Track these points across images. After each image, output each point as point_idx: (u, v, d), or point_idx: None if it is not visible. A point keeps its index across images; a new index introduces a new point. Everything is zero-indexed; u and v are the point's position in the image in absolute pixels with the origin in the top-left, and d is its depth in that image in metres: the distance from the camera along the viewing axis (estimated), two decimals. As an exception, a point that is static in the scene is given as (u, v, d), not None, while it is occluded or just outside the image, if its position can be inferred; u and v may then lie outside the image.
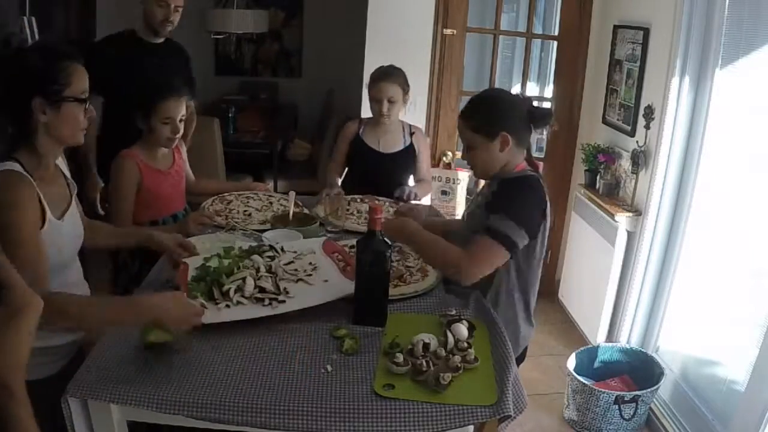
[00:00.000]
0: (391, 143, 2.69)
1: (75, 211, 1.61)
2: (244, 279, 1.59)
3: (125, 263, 2.20)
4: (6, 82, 1.41)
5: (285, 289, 1.60)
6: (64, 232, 1.50)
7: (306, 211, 2.31)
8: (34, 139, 1.43)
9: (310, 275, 1.67)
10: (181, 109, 2.15)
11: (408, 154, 2.71)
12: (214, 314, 1.48)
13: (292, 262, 1.73)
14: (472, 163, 1.82)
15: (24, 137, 1.42)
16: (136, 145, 2.18)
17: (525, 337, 1.89)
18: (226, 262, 1.66)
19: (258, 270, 1.65)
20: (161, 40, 2.75)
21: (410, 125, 2.76)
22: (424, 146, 2.78)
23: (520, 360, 1.88)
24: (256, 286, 1.58)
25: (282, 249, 1.80)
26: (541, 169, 3.64)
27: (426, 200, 3.49)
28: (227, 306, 1.52)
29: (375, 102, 2.59)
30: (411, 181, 2.77)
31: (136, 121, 2.14)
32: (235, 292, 1.55)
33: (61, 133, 1.46)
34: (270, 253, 1.77)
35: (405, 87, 2.60)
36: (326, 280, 1.65)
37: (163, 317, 1.33)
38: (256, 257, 1.71)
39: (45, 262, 1.39)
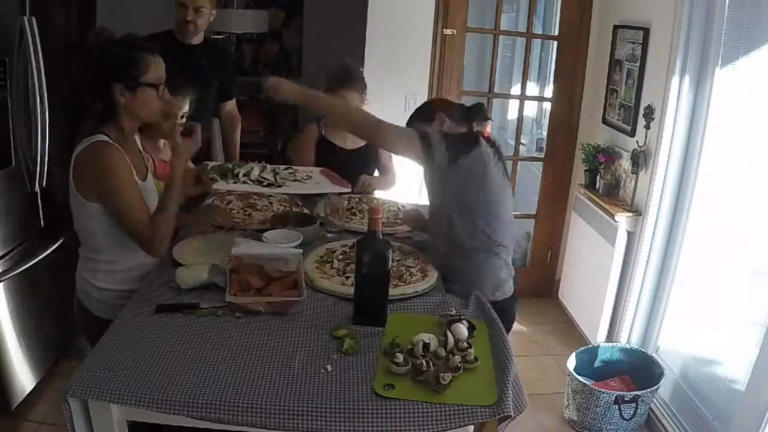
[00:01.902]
0: (355, 140, 2.68)
1: (151, 180, 1.90)
2: (251, 169, 2.08)
3: None
4: (94, 69, 1.70)
5: (282, 180, 2.07)
6: (147, 193, 1.81)
7: (306, 211, 2.32)
8: (117, 116, 1.73)
9: (306, 178, 2.16)
10: (185, 105, 2.22)
11: (371, 149, 2.72)
12: (222, 185, 2.02)
13: (293, 172, 2.19)
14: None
15: (109, 115, 1.73)
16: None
17: (505, 279, 1.98)
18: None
19: (264, 168, 2.12)
20: (198, 41, 2.81)
21: None
22: None
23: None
24: (260, 176, 2.05)
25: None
26: (540, 169, 3.68)
27: (426, 197, 3.49)
28: (234, 183, 2.00)
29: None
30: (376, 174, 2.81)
31: None
32: (244, 175, 2.04)
33: (137, 113, 1.75)
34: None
35: (364, 91, 2.59)
36: (318, 183, 2.12)
37: None
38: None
39: (146, 203, 1.75)
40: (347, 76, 2.56)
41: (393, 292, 1.70)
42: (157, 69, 1.74)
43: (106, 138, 1.70)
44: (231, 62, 2.97)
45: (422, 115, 2.03)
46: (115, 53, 1.68)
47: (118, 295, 1.77)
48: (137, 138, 1.91)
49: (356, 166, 2.67)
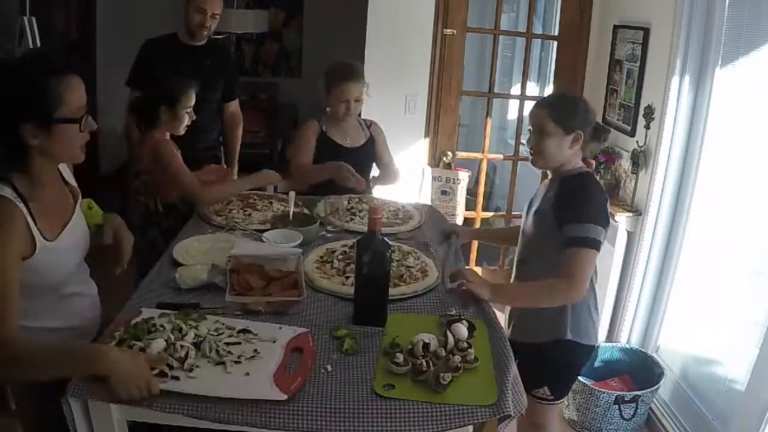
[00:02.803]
0: (355, 138, 2.71)
1: (78, 220, 1.54)
2: (154, 340, 1.36)
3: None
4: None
5: (192, 365, 1.33)
6: (59, 251, 1.43)
7: (306, 211, 2.32)
8: (27, 161, 1.32)
9: (238, 362, 1.37)
10: (191, 100, 2.31)
11: (371, 147, 2.75)
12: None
13: (239, 343, 1.44)
14: (538, 150, 1.88)
15: (15, 161, 1.31)
16: (159, 132, 2.29)
17: (596, 323, 1.96)
18: (176, 322, 1.46)
19: (183, 337, 1.40)
20: (201, 42, 2.91)
21: (364, 119, 2.79)
22: (381, 135, 2.81)
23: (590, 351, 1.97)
24: (162, 352, 1.34)
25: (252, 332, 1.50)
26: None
27: (426, 197, 3.50)
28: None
29: (341, 102, 2.56)
30: (375, 170, 2.83)
31: (159, 110, 2.26)
32: (140, 351, 1.33)
33: (56, 154, 1.38)
34: (234, 336, 1.48)
35: (366, 87, 2.61)
36: (247, 374, 1.33)
37: (115, 375, 1.23)
38: (203, 327, 1.46)
39: (14, 301, 1.28)
40: (352, 70, 2.58)
41: (393, 292, 1.70)
42: (75, 96, 1.33)
43: (7, 191, 1.30)
44: (234, 62, 3.08)
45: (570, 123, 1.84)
46: (16, 85, 1.28)
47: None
48: (61, 169, 1.52)
49: (359, 162, 2.67)
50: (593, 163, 1.98)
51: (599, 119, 3.29)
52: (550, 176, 1.99)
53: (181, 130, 2.33)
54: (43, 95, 1.28)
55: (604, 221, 1.79)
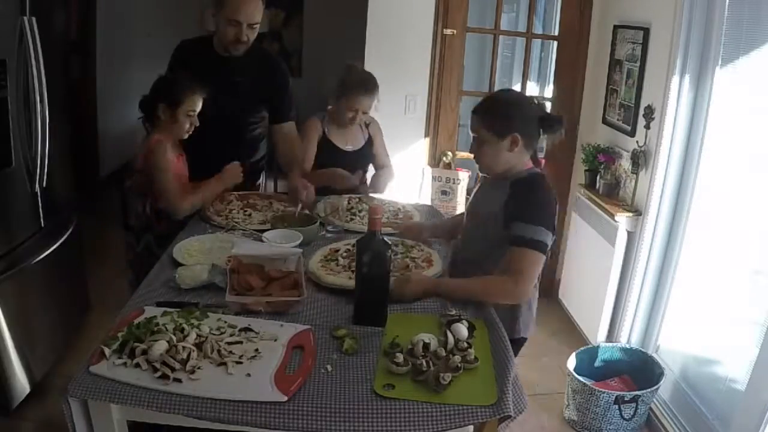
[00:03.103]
0: (355, 141, 2.71)
1: None
2: (156, 341, 1.36)
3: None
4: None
5: (195, 367, 1.34)
6: None
7: (306, 211, 2.32)
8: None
9: (240, 363, 1.37)
10: (197, 105, 2.24)
11: (369, 148, 2.75)
12: (102, 369, 1.32)
13: (240, 342, 1.45)
14: (479, 158, 1.87)
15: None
16: (158, 134, 2.24)
17: (526, 323, 1.93)
18: (178, 321, 1.47)
19: (185, 338, 1.40)
20: (238, 54, 2.38)
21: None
22: (379, 133, 2.80)
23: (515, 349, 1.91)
24: (164, 354, 1.34)
25: (253, 330, 1.51)
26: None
27: (426, 197, 3.50)
28: (124, 364, 1.33)
29: (350, 111, 2.55)
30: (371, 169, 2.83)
31: (158, 110, 2.21)
32: (143, 353, 1.35)
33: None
34: (235, 335, 1.49)
35: (377, 98, 2.58)
36: (248, 375, 1.34)
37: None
38: (205, 326, 1.47)
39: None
40: (369, 83, 2.55)
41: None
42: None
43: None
44: (283, 79, 2.53)
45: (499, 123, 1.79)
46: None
47: None
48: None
49: (358, 164, 2.69)
50: (543, 161, 1.94)
51: (599, 119, 3.30)
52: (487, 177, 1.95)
53: (183, 135, 2.27)
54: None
55: (552, 226, 1.76)
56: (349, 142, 2.69)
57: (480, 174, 2.03)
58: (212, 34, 2.44)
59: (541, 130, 1.83)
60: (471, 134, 1.86)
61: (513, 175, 1.84)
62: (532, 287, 1.75)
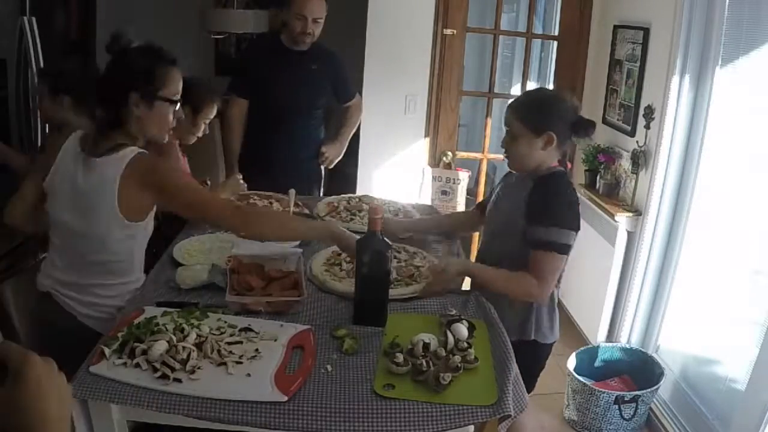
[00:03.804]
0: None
1: None
2: (156, 341, 1.35)
3: None
4: (110, 74, 1.61)
5: (195, 367, 1.33)
6: None
7: (306, 211, 2.31)
8: (124, 126, 1.61)
9: (240, 363, 1.37)
10: (212, 113, 2.25)
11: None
12: (102, 369, 1.32)
13: (240, 342, 1.44)
14: (511, 153, 1.86)
15: (115, 124, 1.60)
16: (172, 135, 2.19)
17: (554, 323, 1.95)
18: (178, 321, 1.46)
19: (185, 338, 1.39)
20: (306, 47, 2.79)
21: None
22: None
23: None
24: (164, 354, 1.34)
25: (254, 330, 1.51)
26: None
27: (426, 197, 3.50)
28: (124, 364, 1.33)
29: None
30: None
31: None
32: (143, 353, 1.34)
33: (148, 128, 1.64)
34: (235, 335, 1.48)
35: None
36: (249, 375, 1.34)
37: None
38: (205, 326, 1.46)
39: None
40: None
41: (406, 290, 1.73)
42: (175, 83, 1.65)
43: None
44: (341, 66, 2.94)
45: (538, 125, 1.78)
46: (134, 62, 1.59)
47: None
48: None
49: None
50: (570, 165, 1.94)
51: (599, 119, 3.30)
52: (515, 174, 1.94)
53: (191, 140, 2.27)
54: (153, 75, 1.59)
55: (575, 225, 1.77)
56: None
57: (508, 170, 2.02)
58: (279, 30, 2.87)
59: (574, 132, 1.82)
60: (504, 128, 1.85)
61: (536, 172, 1.84)
62: (551, 289, 1.79)
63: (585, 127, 1.82)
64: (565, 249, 1.75)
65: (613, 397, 2.51)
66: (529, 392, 1.90)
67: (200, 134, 2.28)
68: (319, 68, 2.83)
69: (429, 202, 3.34)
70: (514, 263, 1.79)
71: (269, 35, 2.89)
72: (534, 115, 1.79)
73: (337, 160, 3.02)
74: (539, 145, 1.79)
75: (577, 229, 1.78)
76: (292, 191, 2.34)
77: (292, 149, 2.85)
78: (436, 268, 1.77)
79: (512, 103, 1.86)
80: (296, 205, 2.34)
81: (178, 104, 1.67)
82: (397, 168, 2.91)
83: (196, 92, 2.18)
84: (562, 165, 1.88)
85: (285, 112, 2.81)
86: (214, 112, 2.26)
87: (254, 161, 2.84)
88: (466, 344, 1.47)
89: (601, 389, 2.55)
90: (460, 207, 3.58)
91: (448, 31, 3.37)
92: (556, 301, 1.94)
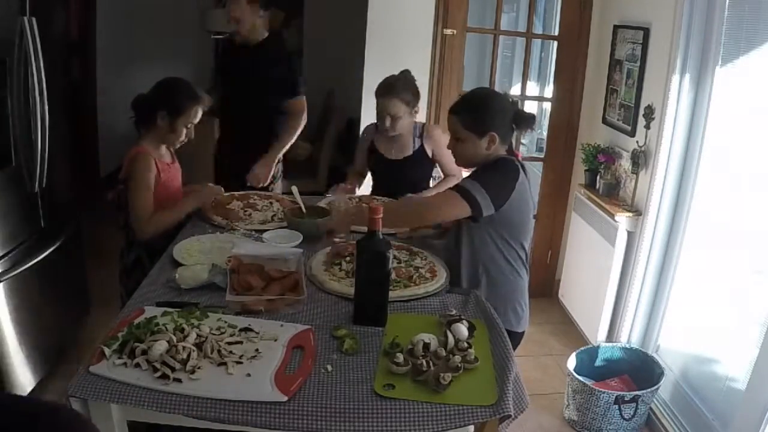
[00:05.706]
0: (401, 149, 2.63)
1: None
2: (156, 341, 1.35)
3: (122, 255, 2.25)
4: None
5: (195, 367, 1.33)
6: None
7: (321, 204, 2.32)
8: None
9: (240, 363, 1.37)
10: (196, 117, 2.20)
11: (419, 158, 2.64)
12: (102, 369, 1.31)
13: (240, 342, 1.45)
14: (456, 153, 1.96)
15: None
16: (144, 142, 2.16)
17: (525, 309, 1.99)
18: (178, 321, 1.47)
19: (185, 338, 1.40)
20: (254, 42, 2.80)
21: (422, 125, 2.67)
22: (437, 143, 2.63)
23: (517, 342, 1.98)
24: (164, 354, 1.34)
25: (254, 330, 1.51)
26: (540, 169, 3.67)
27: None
28: (124, 364, 1.33)
29: (379, 117, 2.52)
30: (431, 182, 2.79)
31: (156, 116, 2.13)
32: (143, 353, 1.34)
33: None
34: (235, 335, 1.48)
35: (409, 99, 2.49)
36: (249, 375, 1.34)
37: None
38: (205, 327, 1.47)
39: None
40: (387, 86, 2.49)
41: (404, 293, 1.72)
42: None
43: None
44: (287, 56, 2.89)
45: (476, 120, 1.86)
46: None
47: None
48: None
49: (406, 173, 2.64)
50: (520, 154, 2.00)
51: (599, 119, 3.30)
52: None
53: (177, 145, 2.22)
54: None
55: (495, 194, 1.79)
56: (395, 151, 2.64)
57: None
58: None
59: (515, 126, 1.90)
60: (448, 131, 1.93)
61: (487, 162, 1.91)
62: (436, 217, 1.95)
63: (525, 119, 1.90)
64: (470, 200, 1.78)
65: (613, 397, 2.51)
66: None
67: (183, 138, 2.19)
68: (267, 62, 2.78)
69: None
70: (473, 252, 1.90)
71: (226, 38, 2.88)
72: (474, 117, 1.86)
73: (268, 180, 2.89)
74: (484, 146, 1.87)
75: (495, 199, 1.79)
76: (295, 188, 2.34)
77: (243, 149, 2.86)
78: (338, 207, 1.89)
79: (452, 107, 1.93)
80: (293, 201, 2.34)
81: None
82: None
83: (171, 95, 2.13)
84: (510, 155, 1.94)
85: (244, 108, 2.85)
86: (198, 116, 2.17)
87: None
88: (466, 344, 1.47)
89: (601, 389, 2.55)
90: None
91: (448, 31, 3.37)
92: (526, 290, 2.00)
